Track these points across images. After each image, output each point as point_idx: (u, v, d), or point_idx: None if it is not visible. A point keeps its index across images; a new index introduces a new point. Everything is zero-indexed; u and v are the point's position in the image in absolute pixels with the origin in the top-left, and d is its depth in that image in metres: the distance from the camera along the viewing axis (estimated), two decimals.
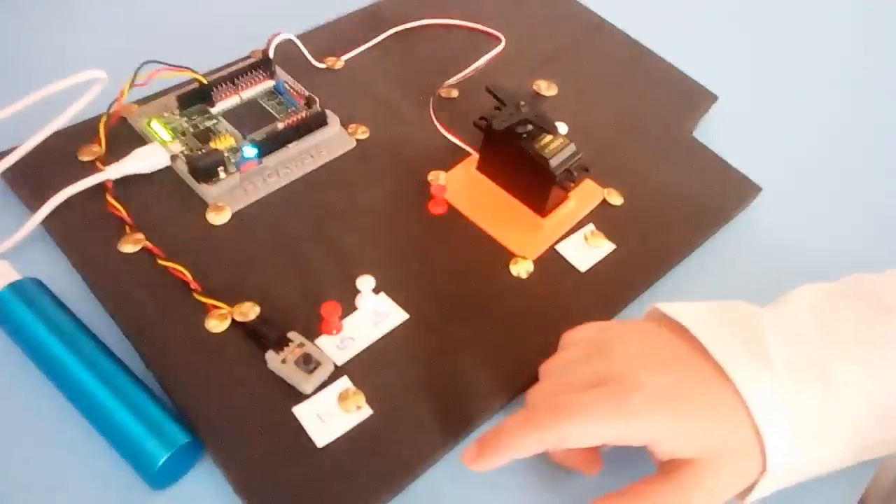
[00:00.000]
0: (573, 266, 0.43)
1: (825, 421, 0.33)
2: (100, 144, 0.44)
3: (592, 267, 0.43)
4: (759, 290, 0.44)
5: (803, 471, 0.34)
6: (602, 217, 0.45)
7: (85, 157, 0.44)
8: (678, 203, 0.47)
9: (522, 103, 0.42)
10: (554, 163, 0.41)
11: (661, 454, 0.32)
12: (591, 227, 0.44)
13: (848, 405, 0.33)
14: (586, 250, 0.43)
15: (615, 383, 0.32)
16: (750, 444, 0.32)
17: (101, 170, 0.42)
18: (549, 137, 0.42)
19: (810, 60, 0.61)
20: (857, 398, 0.33)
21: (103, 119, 0.45)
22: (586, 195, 0.45)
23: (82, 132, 0.45)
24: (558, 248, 0.43)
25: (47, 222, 0.41)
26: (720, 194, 0.48)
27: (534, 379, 0.36)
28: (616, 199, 0.46)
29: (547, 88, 0.52)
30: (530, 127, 0.42)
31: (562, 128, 0.45)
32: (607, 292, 0.42)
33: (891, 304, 0.35)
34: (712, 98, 0.54)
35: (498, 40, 0.54)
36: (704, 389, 0.33)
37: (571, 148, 0.42)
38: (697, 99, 0.54)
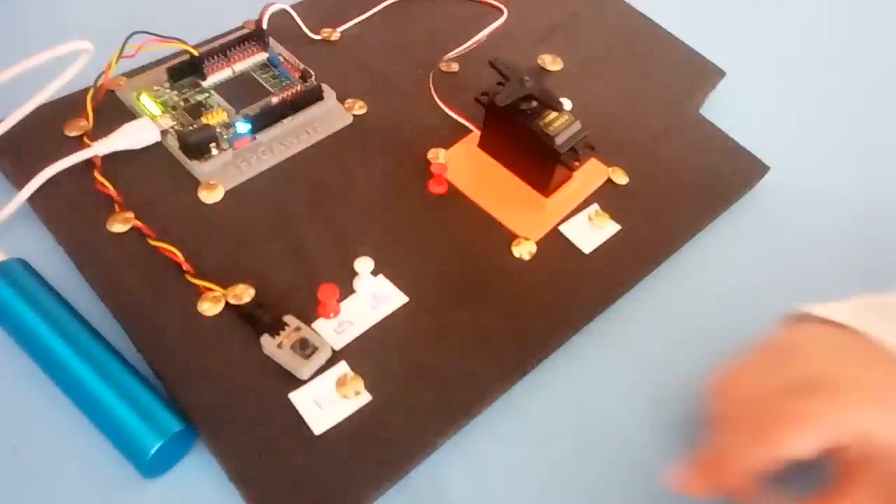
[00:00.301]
0: (577, 247, 0.41)
1: None
2: (87, 119, 0.42)
3: (597, 248, 0.41)
4: (769, 270, 0.43)
5: None
6: (607, 197, 0.44)
7: (72, 132, 0.42)
8: (685, 182, 0.45)
9: (527, 78, 0.41)
10: (559, 141, 0.40)
11: (876, 446, 0.31)
12: (595, 206, 0.43)
13: None
14: (590, 231, 0.42)
15: (817, 385, 0.31)
16: None
17: (88, 145, 0.41)
18: (553, 114, 0.40)
19: (821, 35, 0.59)
20: None
21: (90, 92, 0.43)
22: (591, 174, 0.44)
23: (69, 106, 0.43)
24: (562, 228, 0.42)
25: (33, 200, 0.39)
26: (728, 173, 0.46)
27: (535, 363, 0.36)
28: (621, 178, 0.44)
29: (552, 63, 0.50)
30: (534, 103, 0.40)
31: (566, 104, 0.44)
32: (612, 274, 0.41)
33: None
34: (720, 74, 0.52)
35: (500, 11, 0.52)
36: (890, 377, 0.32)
37: (577, 125, 0.41)
38: (705, 75, 0.52)
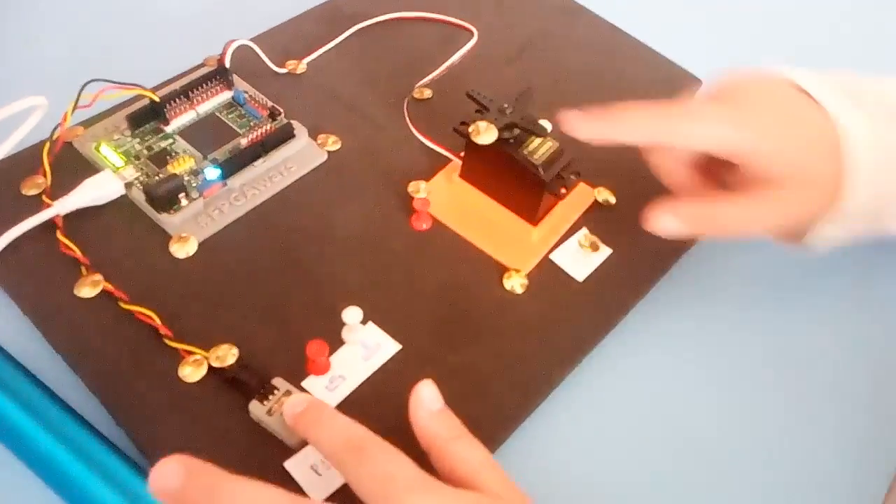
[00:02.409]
0: (570, 276, 0.40)
1: None
2: (44, 175, 0.40)
3: (590, 275, 0.40)
4: (764, 277, 0.42)
5: (869, 222, 0.38)
6: (595, 219, 0.42)
7: (29, 191, 0.40)
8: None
9: (506, 105, 0.39)
10: (544, 169, 0.38)
11: (757, 169, 0.35)
12: (584, 231, 0.42)
13: None
14: (582, 257, 0.41)
15: (731, 100, 0.37)
16: (835, 177, 0.36)
17: (48, 204, 0.38)
18: (537, 141, 0.39)
19: (795, 42, 0.58)
20: None
21: (46, 146, 0.40)
22: (577, 197, 0.43)
23: (24, 162, 0.40)
24: (552, 257, 0.40)
25: None
26: None
27: (536, 404, 0.34)
28: (609, 199, 0.43)
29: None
30: (517, 131, 0.39)
31: (546, 125, 0.42)
32: (608, 301, 0.39)
33: None
34: (697, 82, 0.51)
35: (469, 33, 0.51)
36: (809, 120, 0.36)
37: (561, 151, 0.39)
38: (681, 83, 0.51)
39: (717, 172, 0.39)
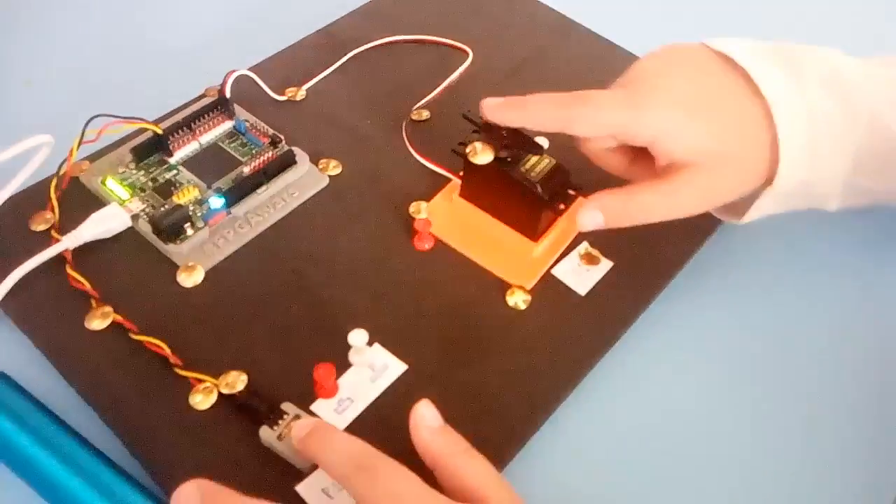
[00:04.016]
0: (572, 290, 0.40)
1: (839, 143, 0.36)
2: (52, 211, 0.41)
3: (593, 288, 0.40)
4: (767, 287, 0.43)
5: (804, 193, 0.37)
6: (596, 233, 0.42)
7: (38, 227, 0.40)
8: None
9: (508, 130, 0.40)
10: (542, 187, 0.39)
11: (663, 153, 0.35)
12: (585, 245, 0.42)
13: (864, 136, 0.36)
14: (584, 271, 0.41)
15: (634, 84, 0.35)
16: (762, 149, 0.34)
17: (57, 239, 0.39)
18: (534, 159, 0.40)
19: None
20: (875, 132, 0.36)
21: (53, 182, 0.41)
22: (576, 211, 0.43)
23: (32, 198, 0.41)
24: (554, 272, 0.41)
25: (4, 304, 0.37)
26: None
27: (544, 419, 0.35)
28: None
29: None
30: (514, 150, 0.39)
31: (542, 142, 0.43)
32: (611, 314, 0.40)
33: None
34: None
35: (465, 53, 0.51)
36: (727, 95, 0.35)
37: (558, 167, 0.40)
38: None
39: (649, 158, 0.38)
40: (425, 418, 0.31)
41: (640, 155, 0.38)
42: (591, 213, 0.36)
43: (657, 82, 0.36)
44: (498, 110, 0.37)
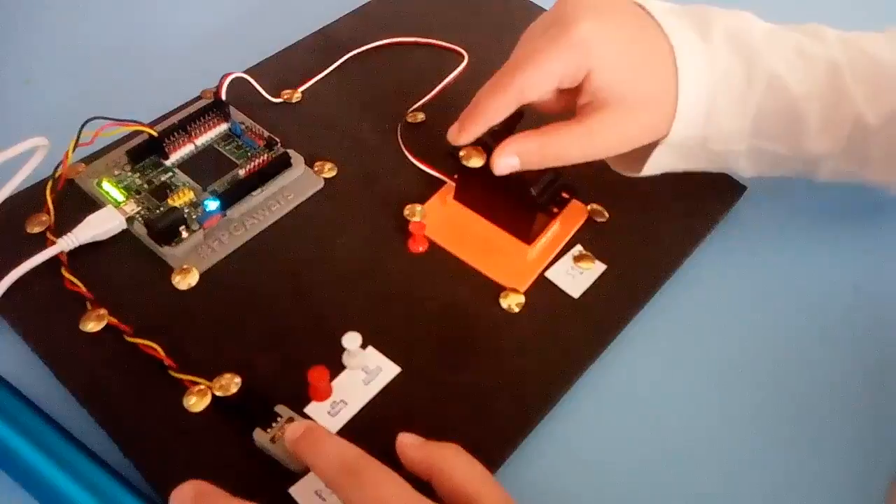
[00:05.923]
0: (566, 293, 0.41)
1: (739, 102, 0.37)
2: (48, 213, 0.41)
3: (586, 291, 0.41)
4: (763, 287, 0.43)
5: (702, 149, 0.39)
6: (589, 235, 0.43)
7: (33, 229, 0.40)
8: (665, 211, 0.45)
9: (496, 129, 0.40)
10: (535, 190, 0.39)
11: (593, 88, 0.36)
12: (578, 248, 0.42)
13: (764, 97, 0.37)
14: (577, 274, 0.41)
15: (558, 25, 0.36)
16: (668, 99, 0.36)
17: (52, 242, 0.39)
18: None
19: None
20: (775, 92, 0.37)
21: (49, 184, 0.41)
22: (570, 214, 0.43)
23: (28, 201, 0.41)
24: (548, 275, 0.41)
25: (0, 306, 0.38)
26: (706, 197, 0.46)
27: (537, 421, 0.35)
28: (601, 216, 0.44)
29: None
30: None
31: None
32: (605, 316, 0.40)
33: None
34: None
35: (460, 56, 0.52)
36: (643, 40, 0.36)
37: (552, 170, 0.40)
38: None
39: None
40: (406, 439, 0.32)
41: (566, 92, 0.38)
42: (507, 158, 0.37)
43: (587, 15, 0.36)
44: (461, 134, 0.37)
